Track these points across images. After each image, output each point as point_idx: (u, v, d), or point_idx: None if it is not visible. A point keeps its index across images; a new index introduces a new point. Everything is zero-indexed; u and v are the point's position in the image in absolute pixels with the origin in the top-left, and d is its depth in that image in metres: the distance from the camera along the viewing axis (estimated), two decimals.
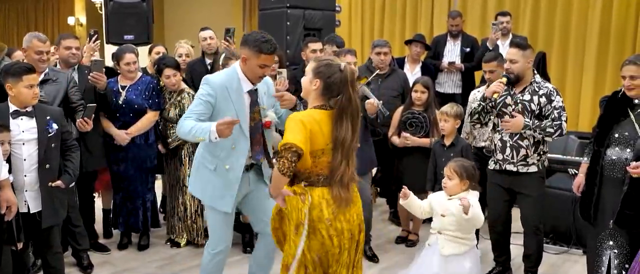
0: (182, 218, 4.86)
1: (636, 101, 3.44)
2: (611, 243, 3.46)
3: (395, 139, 4.91)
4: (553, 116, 3.91)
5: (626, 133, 3.42)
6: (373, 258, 4.74)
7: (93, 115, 4.18)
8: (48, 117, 3.54)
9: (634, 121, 3.41)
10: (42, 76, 4.16)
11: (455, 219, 3.48)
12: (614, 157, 3.44)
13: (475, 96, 4.86)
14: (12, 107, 3.46)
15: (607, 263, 3.49)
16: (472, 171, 3.55)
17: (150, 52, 5.82)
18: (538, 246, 4.16)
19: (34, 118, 3.49)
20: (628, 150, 3.39)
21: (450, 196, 3.55)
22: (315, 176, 2.87)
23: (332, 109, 2.85)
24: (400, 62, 6.27)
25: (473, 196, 3.50)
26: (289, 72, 4.83)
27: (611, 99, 3.59)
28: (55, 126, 3.55)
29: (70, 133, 3.76)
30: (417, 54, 6.36)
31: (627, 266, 3.39)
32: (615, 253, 3.45)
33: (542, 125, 3.88)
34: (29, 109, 3.49)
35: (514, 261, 4.40)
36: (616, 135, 3.45)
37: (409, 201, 3.63)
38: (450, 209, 3.49)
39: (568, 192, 4.86)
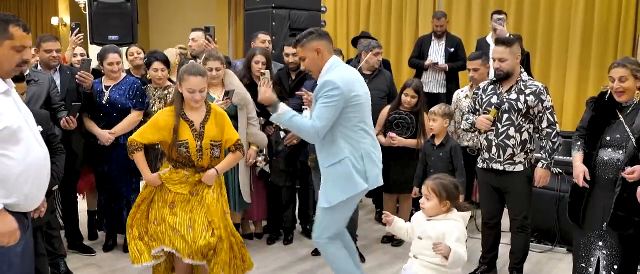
0: None
1: (625, 104, 3.46)
2: (601, 244, 3.48)
3: (381, 139, 4.92)
4: (549, 120, 3.95)
5: (617, 136, 3.43)
6: (359, 257, 4.73)
7: (78, 114, 4.15)
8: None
9: (624, 123, 3.42)
10: None
11: (433, 244, 2.95)
12: (606, 159, 3.46)
13: (459, 96, 4.90)
14: None
15: (596, 264, 3.51)
16: (454, 189, 3.03)
17: (126, 54, 5.73)
18: (524, 243, 4.20)
19: None
20: (620, 152, 3.41)
21: (430, 217, 3.06)
22: None
23: None
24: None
25: (457, 219, 3.03)
26: (272, 73, 4.83)
27: (599, 101, 3.60)
28: (40, 129, 3.51)
29: (56, 136, 3.72)
30: None
31: (615, 266, 3.41)
32: (604, 254, 3.46)
33: (549, 151, 3.96)
34: None
35: (498, 260, 4.42)
36: (608, 138, 3.46)
37: (394, 226, 3.26)
38: (428, 232, 3.00)
39: (552, 191, 4.92)
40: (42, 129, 3.49)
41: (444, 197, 2.99)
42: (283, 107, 3.45)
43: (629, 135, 3.38)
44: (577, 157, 3.62)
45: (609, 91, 3.51)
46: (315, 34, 3.51)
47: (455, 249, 2.87)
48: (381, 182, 3.59)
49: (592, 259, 3.52)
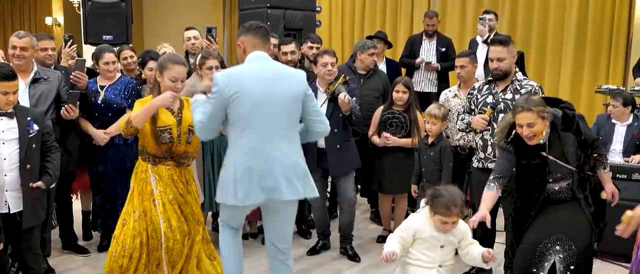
0: None
1: (542, 141, 3.36)
2: (558, 247, 3.39)
3: (376, 139, 4.92)
4: None
5: (558, 174, 3.39)
6: (354, 257, 4.75)
7: (78, 102, 4.16)
8: (29, 118, 3.52)
9: (558, 162, 3.35)
10: (32, 75, 4.17)
11: (453, 248, 3.16)
12: (556, 188, 3.43)
13: (446, 95, 4.89)
14: None
15: (549, 266, 3.44)
16: (464, 196, 3.14)
17: (119, 56, 5.68)
18: None
19: (15, 118, 3.47)
20: (564, 182, 3.38)
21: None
22: None
23: None
24: None
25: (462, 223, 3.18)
26: None
27: (518, 146, 3.43)
28: (36, 127, 3.53)
29: (50, 134, 3.72)
30: (380, 50, 6.38)
31: (572, 267, 3.34)
32: (560, 257, 3.39)
33: None
34: (9, 110, 3.46)
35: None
36: (550, 180, 3.41)
37: (398, 258, 3.14)
38: (450, 239, 3.12)
39: None
40: (37, 128, 3.51)
41: (464, 207, 3.11)
42: (198, 96, 3.36)
43: (568, 168, 3.35)
44: (488, 197, 3.43)
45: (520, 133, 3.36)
46: (242, 29, 3.31)
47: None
48: (256, 200, 3.18)
49: (546, 263, 3.43)
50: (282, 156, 3.17)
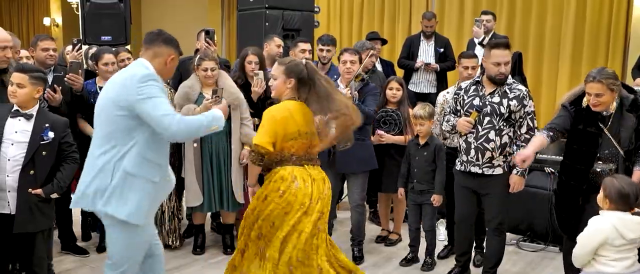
0: (157, 221, 4.79)
1: (605, 113, 3.45)
2: None
3: (370, 138, 4.92)
4: (529, 125, 3.88)
5: (606, 151, 3.45)
6: (358, 258, 4.71)
7: (61, 86, 4.21)
8: (46, 125, 3.52)
9: (611, 138, 3.42)
10: None
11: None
12: (598, 170, 3.47)
13: (445, 97, 4.85)
14: (15, 107, 3.49)
15: None
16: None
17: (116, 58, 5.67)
18: (499, 247, 4.09)
19: (33, 122, 3.49)
20: (611, 164, 3.43)
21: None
22: (288, 156, 3.35)
23: (301, 99, 3.39)
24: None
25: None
26: (265, 73, 4.82)
27: (579, 110, 3.55)
28: (51, 134, 3.52)
29: (70, 145, 3.67)
30: (377, 51, 6.40)
31: None
32: None
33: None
34: (30, 112, 3.49)
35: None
36: (598, 155, 3.48)
37: None
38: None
39: (544, 190, 4.94)
40: (52, 135, 3.50)
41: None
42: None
43: (618, 150, 3.41)
44: (537, 140, 3.54)
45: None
46: None
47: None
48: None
49: None
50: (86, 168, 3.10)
